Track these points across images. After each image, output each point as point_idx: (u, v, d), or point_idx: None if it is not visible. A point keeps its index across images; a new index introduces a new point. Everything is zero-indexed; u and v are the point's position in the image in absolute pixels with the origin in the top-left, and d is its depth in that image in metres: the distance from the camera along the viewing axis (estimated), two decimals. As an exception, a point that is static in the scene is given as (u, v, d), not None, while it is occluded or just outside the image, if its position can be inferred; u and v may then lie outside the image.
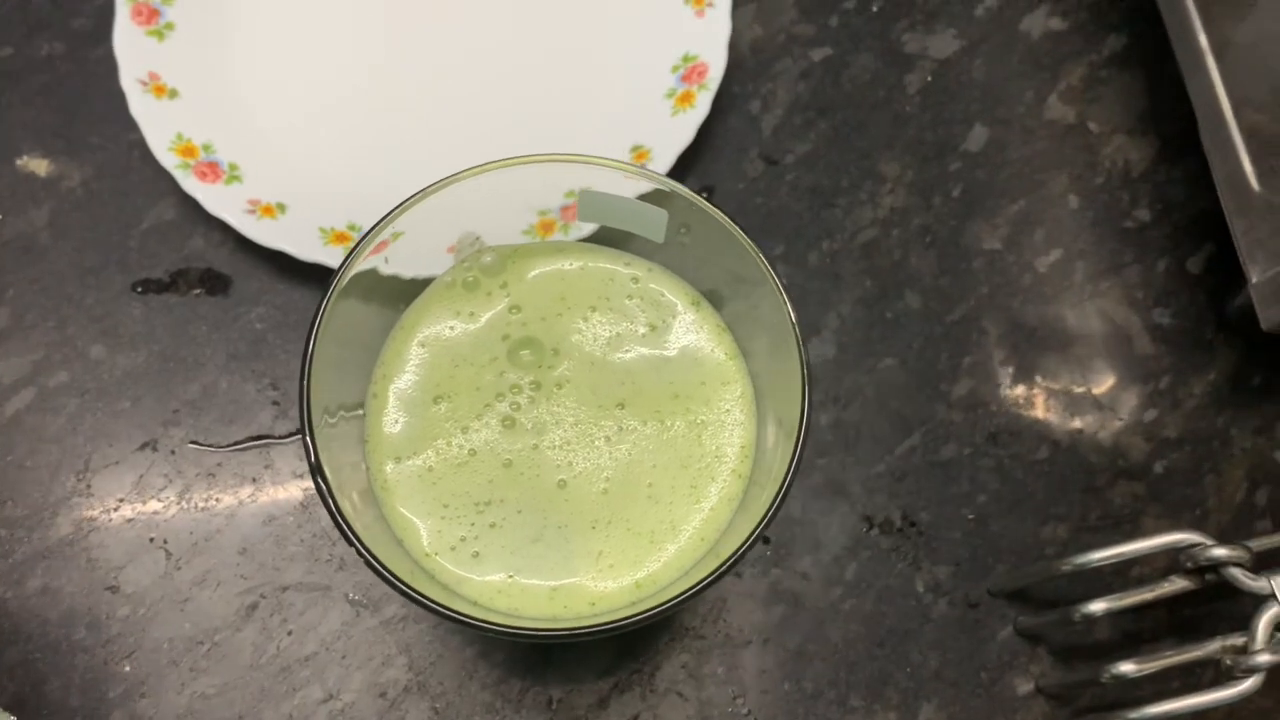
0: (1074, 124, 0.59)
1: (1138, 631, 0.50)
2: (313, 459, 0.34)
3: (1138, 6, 0.62)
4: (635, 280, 0.42)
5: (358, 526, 0.34)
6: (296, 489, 0.50)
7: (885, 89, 0.59)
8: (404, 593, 0.33)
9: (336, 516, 0.34)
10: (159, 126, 0.53)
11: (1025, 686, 0.49)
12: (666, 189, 0.39)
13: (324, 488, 0.34)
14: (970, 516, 0.51)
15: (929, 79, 0.60)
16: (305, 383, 0.35)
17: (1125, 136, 0.59)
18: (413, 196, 0.39)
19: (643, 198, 0.40)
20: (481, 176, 0.39)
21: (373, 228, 0.38)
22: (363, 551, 0.33)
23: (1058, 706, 0.49)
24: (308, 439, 0.35)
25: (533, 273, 0.42)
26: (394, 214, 0.39)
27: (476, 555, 0.38)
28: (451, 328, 0.41)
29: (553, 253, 0.43)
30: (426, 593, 0.33)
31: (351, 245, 0.38)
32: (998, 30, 0.61)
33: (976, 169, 0.58)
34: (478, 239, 0.42)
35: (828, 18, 0.61)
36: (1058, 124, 0.59)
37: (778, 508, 0.35)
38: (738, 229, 0.38)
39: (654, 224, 0.41)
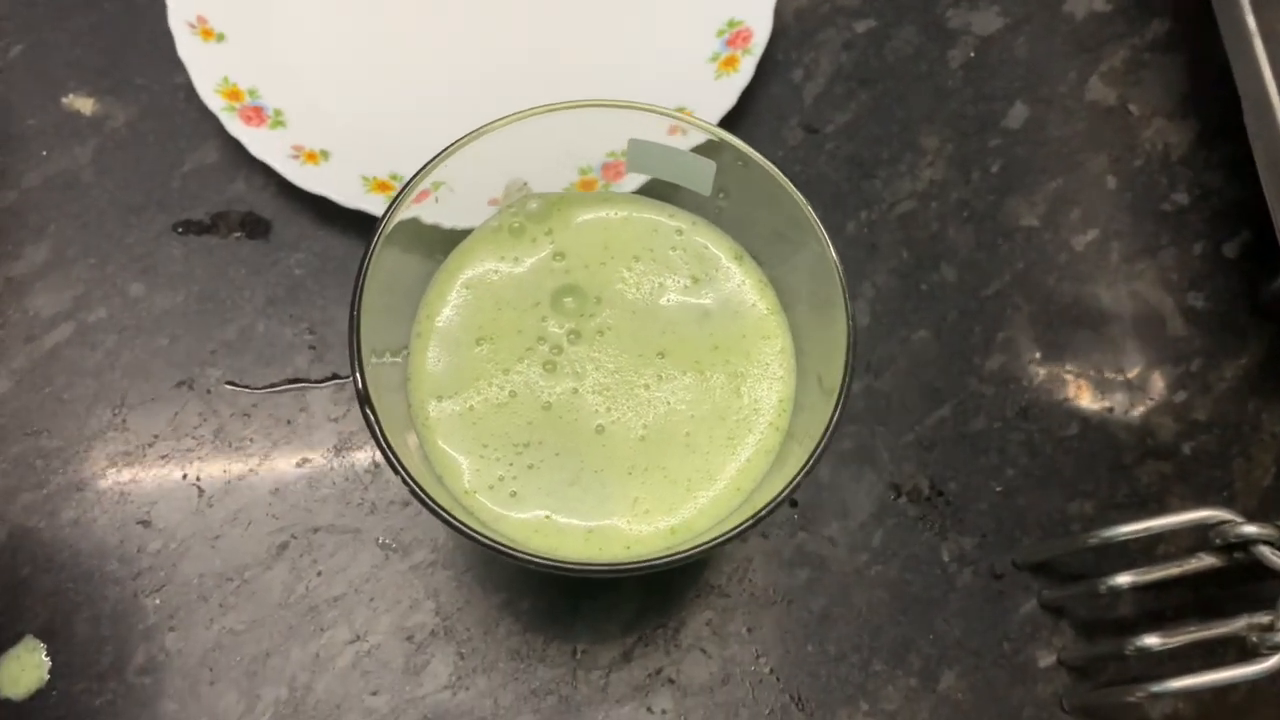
0: (1115, 106, 0.59)
1: (1161, 609, 0.50)
2: (360, 387, 0.34)
3: (1183, -9, 0.62)
4: (679, 232, 0.43)
5: (404, 461, 0.34)
6: (330, 433, 0.51)
7: (928, 63, 0.59)
8: (446, 521, 0.33)
9: (382, 443, 0.34)
10: (206, 69, 0.53)
11: (1047, 659, 0.49)
12: (717, 139, 0.39)
13: (371, 417, 0.34)
14: (998, 489, 0.51)
15: (971, 55, 0.60)
16: (355, 313, 0.35)
17: (1165, 120, 0.59)
18: (457, 141, 0.39)
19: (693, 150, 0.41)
20: (526, 122, 0.40)
21: (419, 171, 0.38)
22: (407, 479, 0.34)
23: (1079, 679, 0.49)
24: (357, 372, 0.35)
25: (578, 221, 0.43)
26: (439, 158, 0.39)
27: (514, 495, 0.38)
28: (496, 272, 0.42)
29: (598, 202, 0.43)
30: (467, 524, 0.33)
31: (399, 186, 0.38)
32: (1042, 10, 0.61)
33: (1016, 146, 0.58)
34: (525, 185, 0.42)
35: (873, -10, 0.61)
36: (1099, 105, 0.59)
37: (817, 460, 0.35)
38: (789, 183, 0.38)
39: (701, 176, 0.41)
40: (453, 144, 0.39)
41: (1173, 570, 0.46)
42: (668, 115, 0.40)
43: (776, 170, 0.38)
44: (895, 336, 0.54)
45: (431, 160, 0.39)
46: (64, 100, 0.56)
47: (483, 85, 0.57)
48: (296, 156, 0.52)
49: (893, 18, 0.60)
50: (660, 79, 0.56)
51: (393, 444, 0.34)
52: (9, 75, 0.57)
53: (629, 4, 0.59)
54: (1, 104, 0.56)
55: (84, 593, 0.48)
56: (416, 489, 0.34)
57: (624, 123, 0.41)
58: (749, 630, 0.49)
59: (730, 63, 0.55)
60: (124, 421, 0.50)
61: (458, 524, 0.33)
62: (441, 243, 0.42)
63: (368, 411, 0.34)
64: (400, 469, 0.34)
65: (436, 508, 0.33)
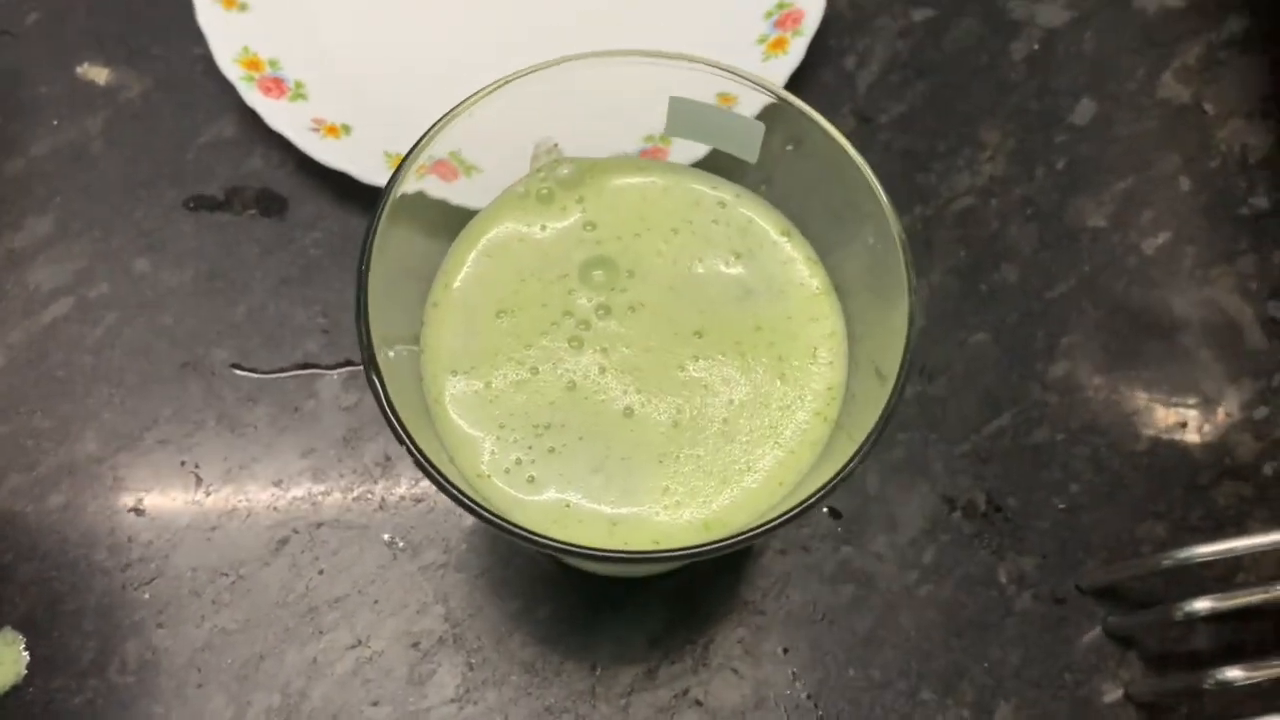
0: (1188, 104, 0.56)
1: (1240, 641, 0.45)
2: (365, 342, 0.31)
3: (1262, -12, 0.58)
4: (722, 204, 0.39)
5: (413, 432, 0.31)
6: (340, 422, 0.47)
7: (989, 55, 0.56)
8: (455, 498, 0.30)
9: (386, 407, 0.30)
10: (225, 38, 0.51)
11: (1113, 693, 0.44)
12: (775, 101, 0.36)
13: (376, 381, 0.31)
14: (1061, 506, 0.47)
15: (1035, 48, 0.56)
16: (364, 264, 0.32)
17: (1243, 120, 0.55)
18: (475, 94, 0.36)
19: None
20: (551, 74, 0.36)
21: (432, 127, 0.35)
22: (412, 449, 0.30)
23: (1148, 717, 0.44)
24: (362, 325, 0.31)
25: (612, 189, 0.39)
26: (455, 111, 0.35)
27: (532, 480, 0.34)
28: (521, 239, 0.38)
29: (634, 169, 0.40)
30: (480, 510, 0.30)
31: (417, 140, 0.35)
32: (1110, 3, 0.58)
33: (1082, 143, 0.54)
34: (555, 146, 0.39)
35: (931, -22, 0.58)
36: (1171, 103, 0.56)
37: (870, 448, 0.32)
38: (854, 152, 0.35)
39: (748, 140, 0.37)
40: (471, 96, 0.35)
41: (1259, 595, 0.42)
42: (714, 69, 0.36)
43: (841, 137, 0.35)
44: (952, 339, 0.50)
45: (447, 114, 0.35)
46: (78, 69, 0.54)
47: (514, 60, 0.53)
48: (316, 129, 0.49)
49: (952, 7, 0.57)
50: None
51: (400, 414, 0.31)
52: (25, 42, 0.55)
53: (673, -16, 0.56)
54: (14, 71, 0.54)
55: (68, 583, 0.44)
56: (424, 462, 0.30)
57: (665, 85, 0.38)
58: (785, 651, 0.45)
59: (779, 45, 0.52)
60: (121, 402, 0.47)
61: (469, 502, 0.30)
62: (460, 226, 0.39)
63: (372, 375, 0.31)
64: (406, 439, 0.30)
65: (445, 483, 0.30)
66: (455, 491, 0.30)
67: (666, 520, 0.34)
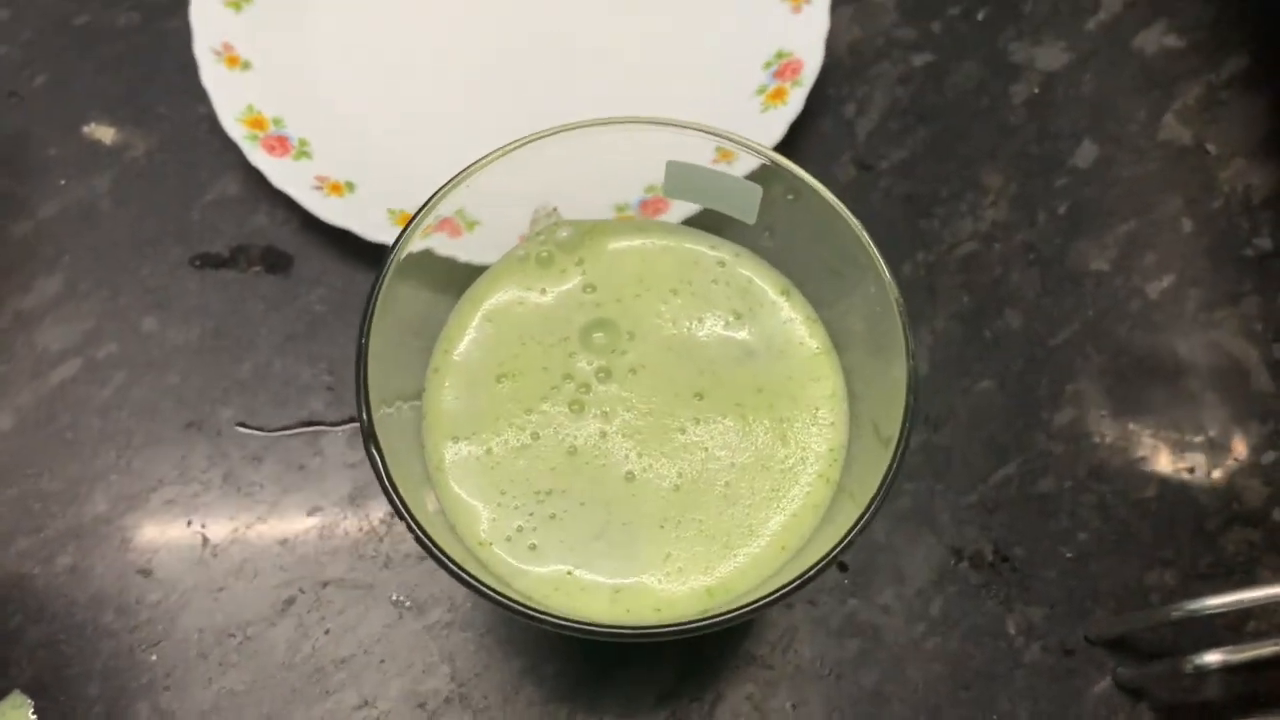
0: (1190, 145, 0.56)
1: (1252, 693, 0.45)
2: (365, 419, 0.31)
3: (1260, 27, 0.58)
4: (721, 264, 0.39)
5: (412, 505, 0.31)
6: (345, 480, 0.47)
7: (989, 98, 0.56)
8: (455, 574, 0.30)
9: (386, 482, 0.30)
10: (229, 97, 0.51)
11: (1125, 745, 0.44)
12: (770, 164, 0.36)
13: (376, 455, 0.31)
14: (1069, 555, 0.47)
15: (1036, 91, 0.56)
16: (364, 340, 0.32)
17: (1245, 160, 0.55)
18: (478, 161, 0.36)
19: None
20: (553, 141, 0.37)
21: (436, 193, 0.35)
22: (411, 525, 0.30)
23: (1161, 770, 0.44)
24: (362, 404, 0.32)
25: (611, 251, 0.39)
26: (459, 178, 0.36)
27: (534, 548, 0.35)
28: (521, 303, 0.38)
29: (633, 231, 0.40)
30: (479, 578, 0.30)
31: (419, 208, 0.35)
32: (1110, 45, 0.58)
33: (1084, 186, 0.54)
34: (554, 210, 0.39)
35: (930, 23, 0.58)
36: (1172, 144, 0.56)
37: (872, 516, 0.31)
38: (848, 213, 0.35)
39: (746, 201, 0.38)
40: (473, 164, 0.36)
41: (1270, 648, 0.41)
42: (709, 134, 0.36)
43: (835, 199, 0.35)
44: (956, 387, 0.50)
45: (449, 182, 0.36)
46: (85, 129, 0.54)
47: (517, 114, 0.54)
48: (320, 187, 0.49)
49: (952, 52, 0.57)
50: (704, 112, 0.53)
51: (399, 486, 0.31)
52: (32, 104, 0.55)
53: (673, 35, 0.56)
54: (23, 133, 0.54)
55: (76, 646, 0.44)
56: (423, 536, 0.30)
57: (663, 146, 0.38)
58: (794, 706, 0.44)
59: (778, 95, 0.52)
60: (128, 463, 0.47)
61: (468, 578, 0.30)
62: (464, 280, 0.39)
63: (372, 449, 0.31)
64: (405, 513, 0.30)
65: (445, 559, 0.30)
66: (455, 568, 0.30)
67: (669, 587, 0.34)
